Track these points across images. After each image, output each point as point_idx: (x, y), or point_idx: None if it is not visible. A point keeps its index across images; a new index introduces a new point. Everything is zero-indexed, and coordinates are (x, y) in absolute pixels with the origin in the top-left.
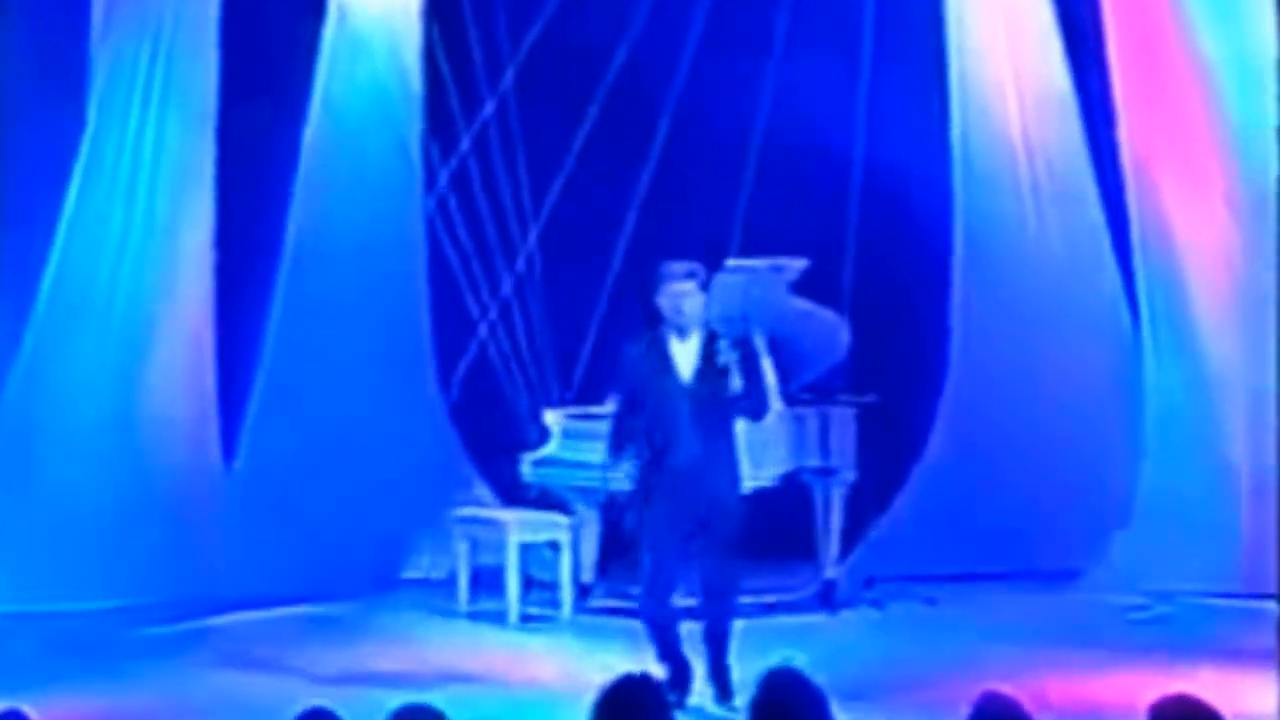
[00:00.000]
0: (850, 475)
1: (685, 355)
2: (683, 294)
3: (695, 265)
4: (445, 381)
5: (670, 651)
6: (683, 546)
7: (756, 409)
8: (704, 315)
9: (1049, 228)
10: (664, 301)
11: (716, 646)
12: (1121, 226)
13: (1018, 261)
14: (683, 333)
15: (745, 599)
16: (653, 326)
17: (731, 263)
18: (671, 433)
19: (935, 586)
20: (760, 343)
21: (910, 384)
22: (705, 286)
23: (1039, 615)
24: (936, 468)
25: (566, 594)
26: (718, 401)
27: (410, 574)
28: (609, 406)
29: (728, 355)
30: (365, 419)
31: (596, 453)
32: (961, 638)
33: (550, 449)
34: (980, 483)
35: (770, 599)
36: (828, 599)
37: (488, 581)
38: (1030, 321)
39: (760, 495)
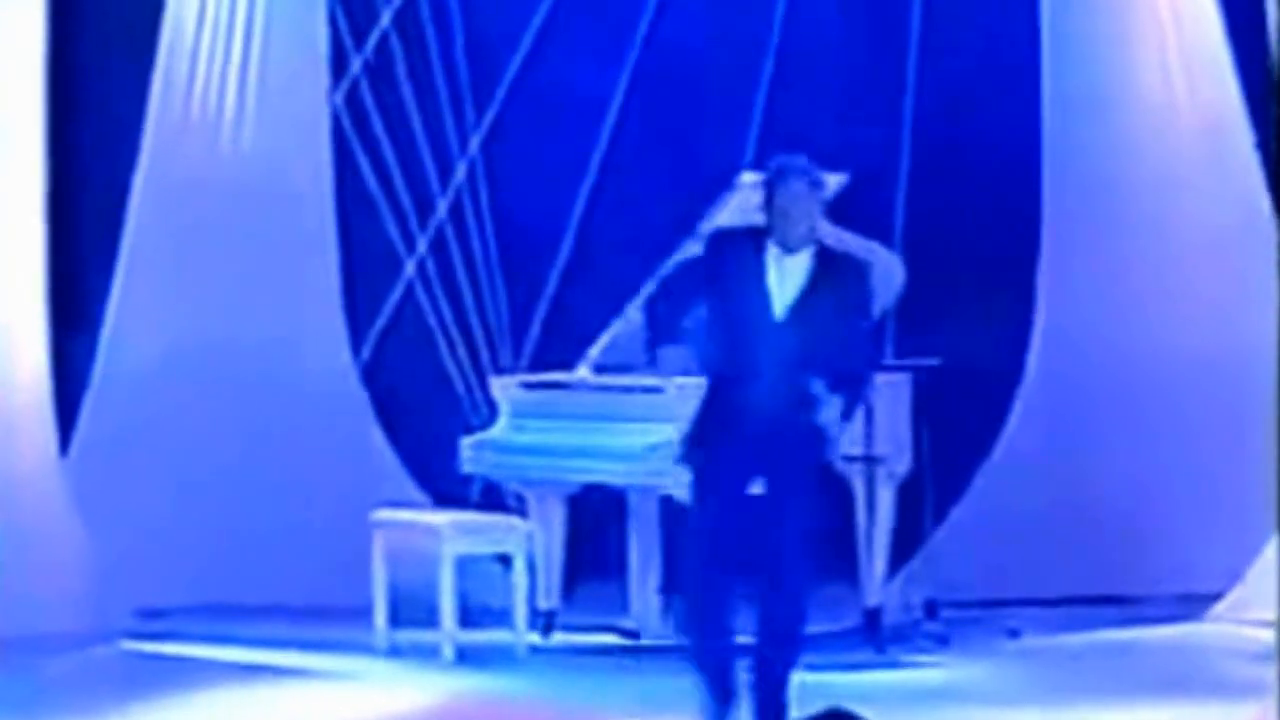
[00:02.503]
0: (902, 466)
1: (786, 280)
2: (794, 197)
3: (806, 163)
4: (357, 339)
5: (721, 681)
6: (743, 527)
7: (857, 379)
8: (814, 231)
9: (1188, 155)
10: (775, 203)
11: (773, 679)
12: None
13: (1135, 196)
14: (789, 249)
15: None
16: (754, 235)
17: (748, 177)
18: (745, 375)
19: (1016, 613)
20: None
21: (982, 346)
22: (818, 190)
23: (1155, 654)
24: (1016, 458)
25: (520, 624)
26: (812, 350)
27: (305, 597)
28: (581, 372)
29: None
30: (242, 391)
31: (561, 434)
32: (1055, 680)
33: (498, 430)
34: (1073, 479)
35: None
36: (873, 631)
37: (414, 607)
38: (1147, 275)
39: None
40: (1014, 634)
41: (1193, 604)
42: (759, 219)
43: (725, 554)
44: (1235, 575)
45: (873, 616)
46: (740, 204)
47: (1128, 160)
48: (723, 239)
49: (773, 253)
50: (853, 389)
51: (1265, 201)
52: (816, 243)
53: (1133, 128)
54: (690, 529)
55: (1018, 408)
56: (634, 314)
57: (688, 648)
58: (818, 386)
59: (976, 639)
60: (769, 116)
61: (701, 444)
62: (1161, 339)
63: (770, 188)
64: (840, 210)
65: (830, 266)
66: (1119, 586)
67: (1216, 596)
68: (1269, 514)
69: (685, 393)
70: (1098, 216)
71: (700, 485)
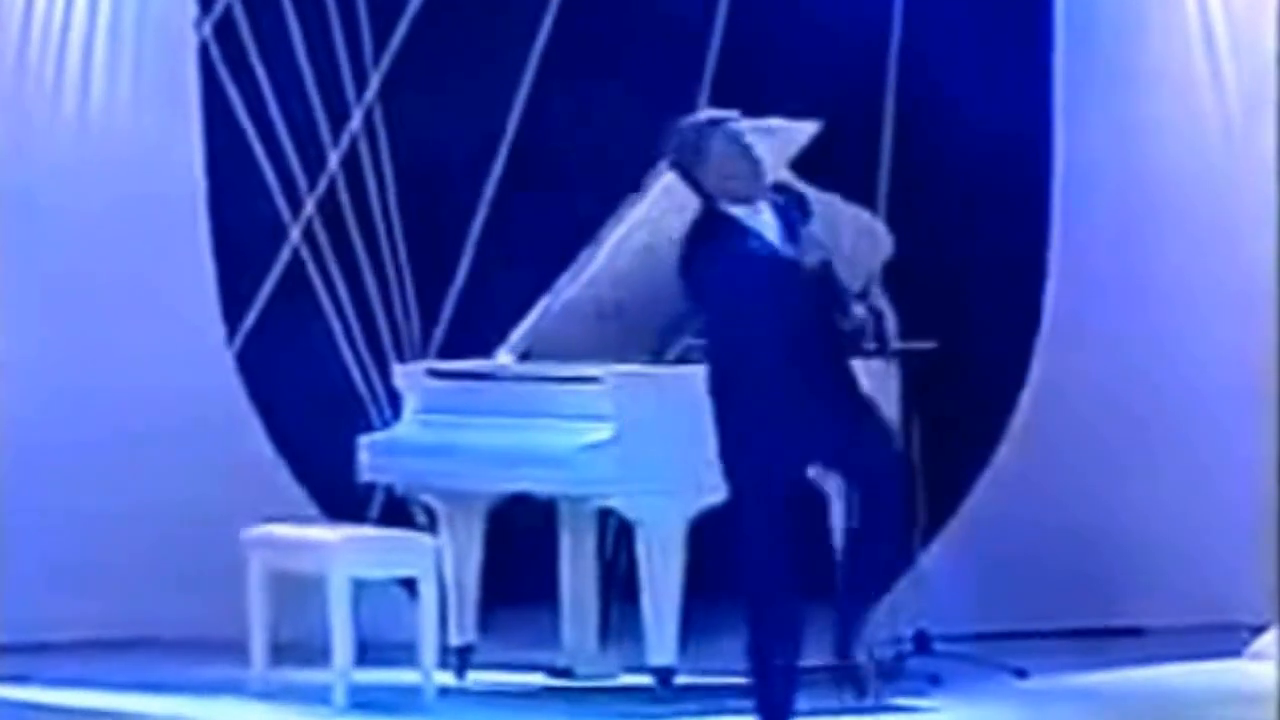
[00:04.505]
0: None
1: (768, 228)
2: (726, 148)
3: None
4: (232, 321)
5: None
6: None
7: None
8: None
9: (1218, 139)
10: (716, 170)
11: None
12: None
13: (1162, 157)
14: (747, 200)
15: (716, 679)
16: (711, 205)
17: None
18: (787, 336)
19: (1022, 648)
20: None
21: (985, 326)
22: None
23: (1186, 696)
24: (1023, 461)
25: (429, 662)
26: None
27: (177, 630)
28: (502, 359)
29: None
30: (97, 381)
31: (479, 433)
32: None
33: (402, 429)
34: (1090, 487)
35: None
36: (851, 669)
37: (299, 642)
38: (1170, 262)
39: None
40: (1021, 673)
41: (1230, 636)
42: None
43: (792, 552)
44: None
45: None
46: None
47: (1149, 135)
48: (697, 232)
49: (741, 211)
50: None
51: None
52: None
53: (1155, 100)
54: (749, 533)
55: (1025, 400)
56: (565, 287)
57: (749, 681)
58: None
59: (976, 678)
60: (724, 65)
61: (754, 433)
62: (1188, 333)
63: (701, 144)
64: (819, 169)
65: (788, 206)
66: (1142, 617)
67: (1258, 629)
68: None
69: (626, 384)
70: (1115, 180)
71: (761, 478)
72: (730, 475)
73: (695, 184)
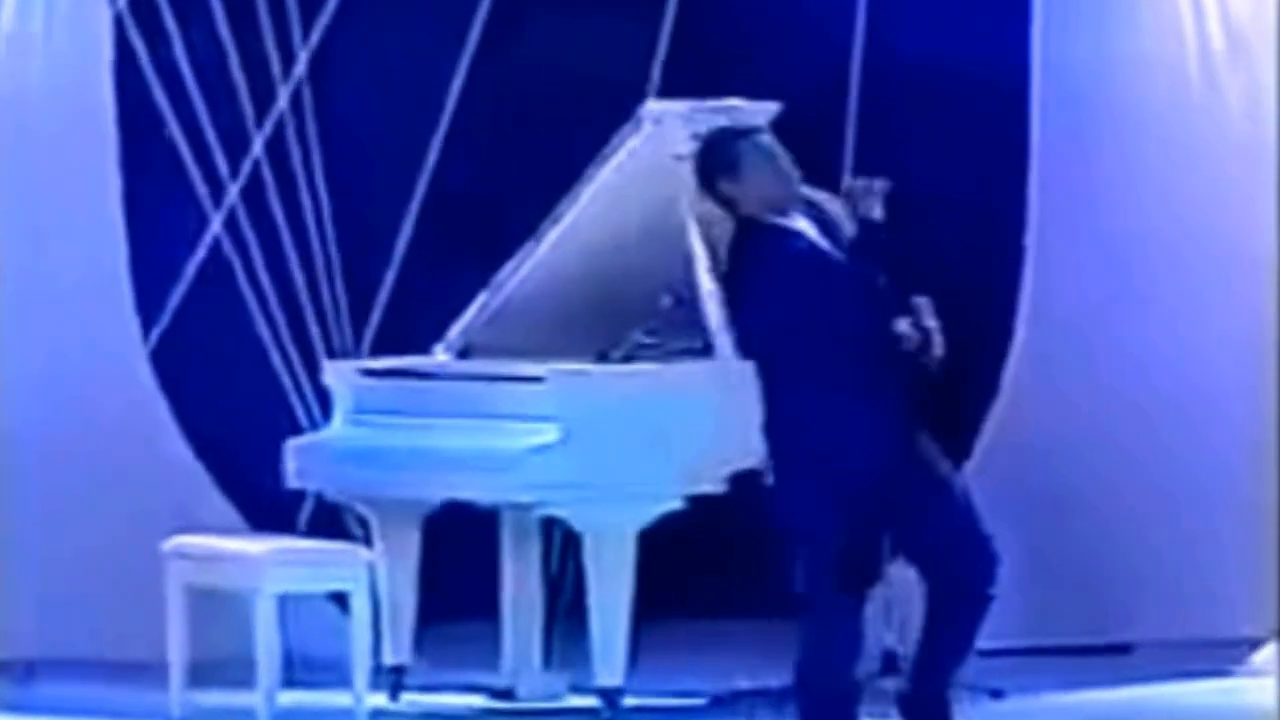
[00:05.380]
0: None
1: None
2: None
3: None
4: (147, 316)
5: None
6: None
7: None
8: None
9: (1217, 98)
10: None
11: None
12: None
13: (1152, 146)
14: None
15: (666, 700)
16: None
17: (654, 105)
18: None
19: (998, 667)
20: None
21: (958, 321)
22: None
23: (1176, 717)
24: (996, 466)
25: (360, 683)
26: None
27: (94, 651)
28: (440, 356)
29: None
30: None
31: (414, 436)
32: None
33: (333, 431)
34: (1069, 494)
35: (721, 693)
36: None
37: (221, 661)
38: (1163, 248)
39: (704, 510)
40: (997, 694)
41: (1225, 652)
42: (684, 150)
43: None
44: (1273, 616)
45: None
46: (651, 140)
47: (1133, 118)
48: (807, 253)
49: (802, 222)
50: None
51: None
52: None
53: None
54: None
55: (1003, 397)
56: (506, 282)
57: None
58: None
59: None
60: (677, 41)
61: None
62: (1174, 331)
63: (739, 151)
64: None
65: (829, 215)
66: (1129, 632)
67: (1256, 643)
68: None
69: (571, 384)
70: (1097, 156)
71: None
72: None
73: (727, 200)
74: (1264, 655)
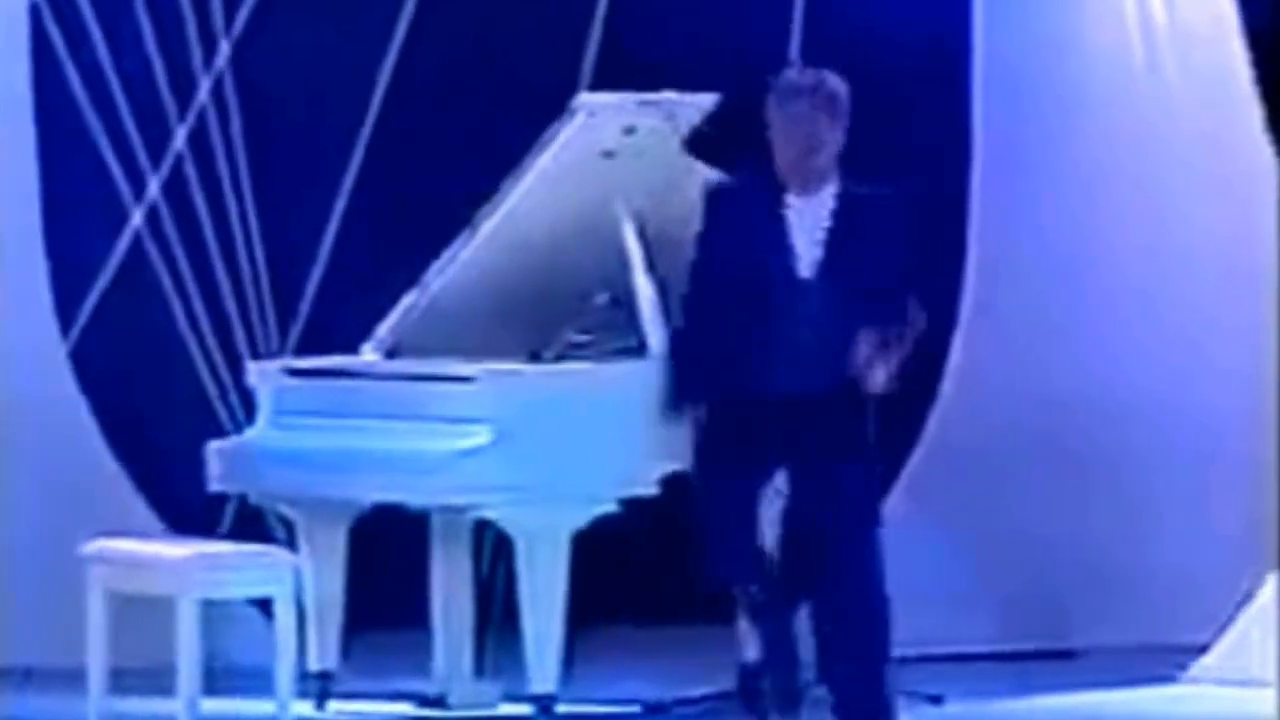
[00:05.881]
0: None
1: (805, 226)
2: (796, 119)
3: (816, 77)
4: (65, 313)
5: None
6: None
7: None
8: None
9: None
10: (773, 129)
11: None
12: None
13: (1094, 132)
14: (806, 187)
15: (602, 708)
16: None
17: (587, 97)
18: (773, 359)
19: (936, 672)
20: None
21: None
22: (830, 105)
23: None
24: (936, 466)
25: (284, 690)
26: (847, 309)
27: (8, 657)
28: (367, 355)
29: None
30: None
31: (341, 437)
32: None
33: (256, 433)
34: (1010, 497)
35: (655, 701)
36: (752, 696)
37: (143, 667)
38: (1106, 239)
39: (638, 512)
40: (936, 700)
41: (1163, 659)
42: (614, 146)
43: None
44: (1218, 622)
45: (752, 677)
46: (584, 132)
47: (1077, 110)
48: (726, 193)
49: (789, 199)
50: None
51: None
52: (841, 180)
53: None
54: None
55: (944, 398)
56: (436, 279)
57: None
58: (864, 348)
59: None
60: (610, 31)
61: (716, 443)
62: (1119, 325)
63: (769, 111)
64: (712, 144)
65: (859, 208)
66: (1073, 638)
67: (1200, 650)
68: (1264, 541)
69: (503, 384)
70: (1039, 142)
71: (718, 492)
72: None
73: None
74: (1209, 661)
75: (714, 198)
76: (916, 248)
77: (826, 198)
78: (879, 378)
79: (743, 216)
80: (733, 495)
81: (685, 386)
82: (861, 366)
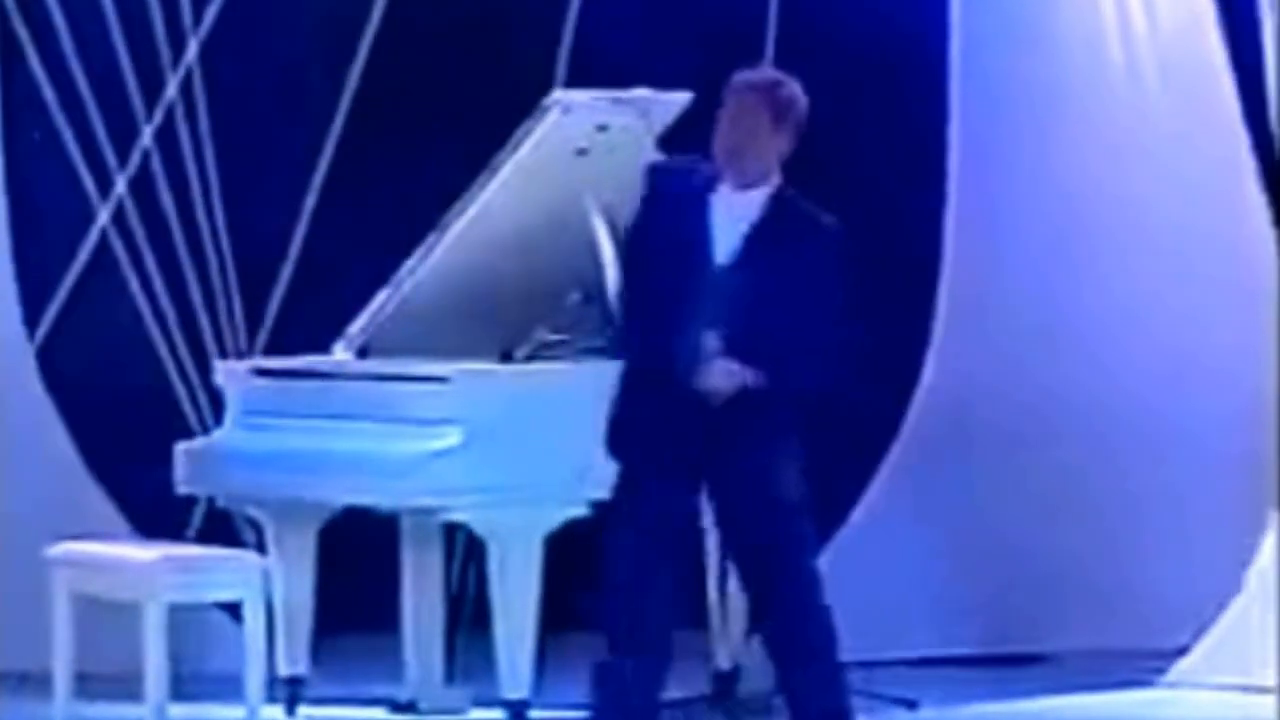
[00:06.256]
0: None
1: (733, 218)
2: (743, 109)
3: (769, 76)
4: (31, 312)
5: None
6: (675, 560)
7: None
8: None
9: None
10: (719, 117)
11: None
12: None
13: (1071, 127)
14: (737, 184)
15: (574, 714)
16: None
17: (561, 94)
18: (679, 344)
19: (910, 677)
20: None
21: (875, 318)
22: (778, 106)
23: None
24: (912, 467)
25: (254, 696)
26: (763, 305)
27: None
28: (338, 355)
29: None
30: None
31: (311, 438)
32: None
33: (225, 434)
34: (985, 500)
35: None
36: (726, 701)
37: (109, 671)
38: (1084, 233)
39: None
40: (911, 705)
41: (1145, 663)
42: (587, 144)
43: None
44: (1198, 625)
45: (725, 682)
46: (558, 129)
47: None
48: (663, 172)
49: (721, 189)
50: (783, 385)
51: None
52: (780, 184)
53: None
54: (611, 552)
55: (920, 395)
56: (407, 278)
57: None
58: (710, 341)
59: (860, 711)
60: (583, 25)
61: (629, 435)
62: (1096, 321)
63: (724, 98)
64: (683, 143)
65: (790, 212)
66: (1046, 642)
67: (1177, 653)
68: (1246, 537)
69: (475, 385)
70: (1015, 137)
71: (630, 493)
72: None
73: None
74: (1187, 665)
75: (651, 174)
76: (835, 283)
77: (759, 196)
78: (713, 381)
79: (673, 196)
80: (641, 539)
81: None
82: (708, 358)
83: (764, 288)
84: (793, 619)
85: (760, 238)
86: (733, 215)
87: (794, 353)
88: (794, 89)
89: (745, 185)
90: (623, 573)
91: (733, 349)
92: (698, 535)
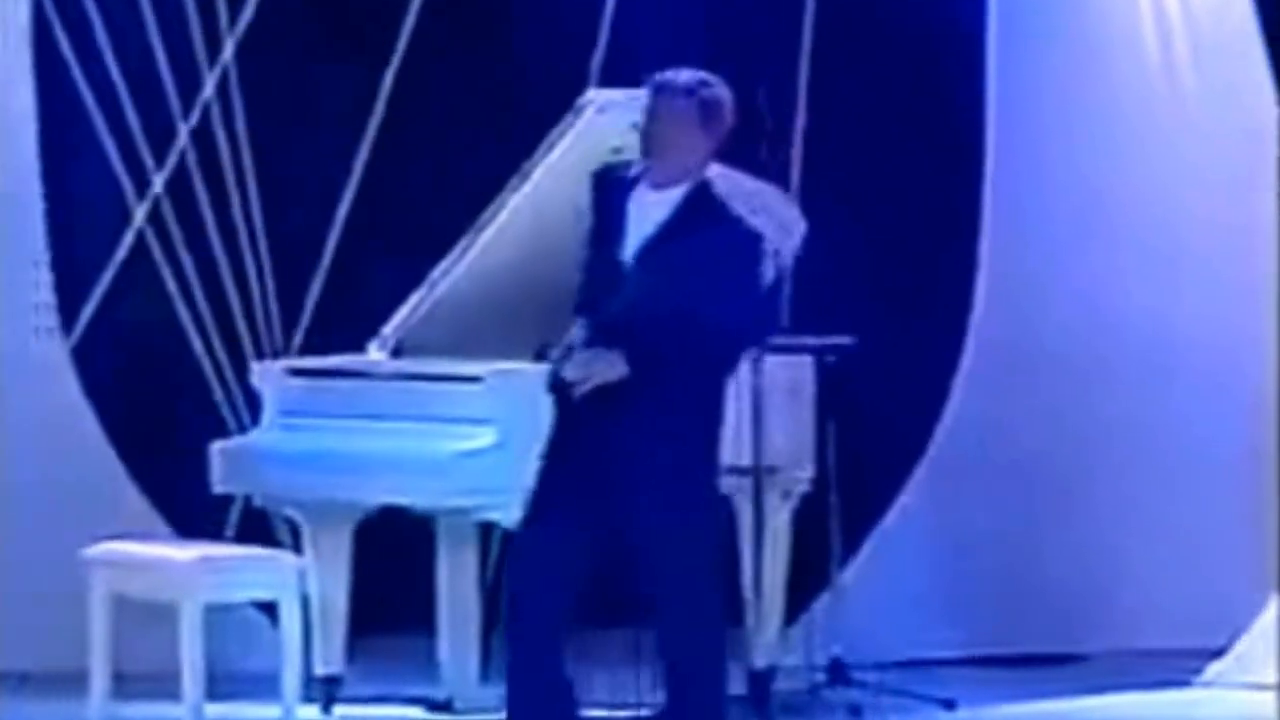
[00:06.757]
0: (803, 476)
1: (645, 219)
2: (654, 116)
3: (688, 78)
4: (68, 313)
5: None
6: (573, 567)
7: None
8: (689, 165)
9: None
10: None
11: None
12: None
13: (1111, 130)
14: (655, 183)
15: (605, 712)
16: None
17: (596, 93)
18: (589, 343)
19: (949, 676)
20: None
21: (909, 319)
22: (705, 107)
23: None
24: (949, 469)
25: (290, 695)
26: (655, 298)
27: (12, 661)
28: (373, 355)
29: None
30: None
31: (347, 439)
32: None
33: (261, 434)
34: (1023, 501)
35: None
36: (762, 701)
37: (146, 672)
38: (1118, 245)
39: None
40: (949, 705)
41: (1183, 663)
42: (621, 142)
43: (552, 598)
44: (1232, 627)
45: (761, 681)
46: (593, 128)
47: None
48: (600, 177)
49: (641, 188)
50: (645, 364)
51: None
52: (699, 183)
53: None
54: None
55: (954, 401)
56: (442, 278)
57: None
58: (576, 331)
59: (898, 711)
60: (618, 28)
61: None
62: (1137, 328)
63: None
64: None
65: (701, 211)
66: (1085, 642)
67: (1215, 654)
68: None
69: (509, 385)
70: (1052, 140)
71: (532, 501)
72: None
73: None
74: (1219, 667)
75: (593, 179)
76: (738, 281)
77: (676, 195)
78: (571, 371)
79: (605, 200)
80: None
81: None
82: (577, 348)
83: (661, 283)
84: (680, 638)
85: (668, 235)
86: (647, 214)
87: (654, 328)
88: (720, 90)
89: (664, 184)
90: (512, 606)
91: (615, 341)
92: (586, 563)
